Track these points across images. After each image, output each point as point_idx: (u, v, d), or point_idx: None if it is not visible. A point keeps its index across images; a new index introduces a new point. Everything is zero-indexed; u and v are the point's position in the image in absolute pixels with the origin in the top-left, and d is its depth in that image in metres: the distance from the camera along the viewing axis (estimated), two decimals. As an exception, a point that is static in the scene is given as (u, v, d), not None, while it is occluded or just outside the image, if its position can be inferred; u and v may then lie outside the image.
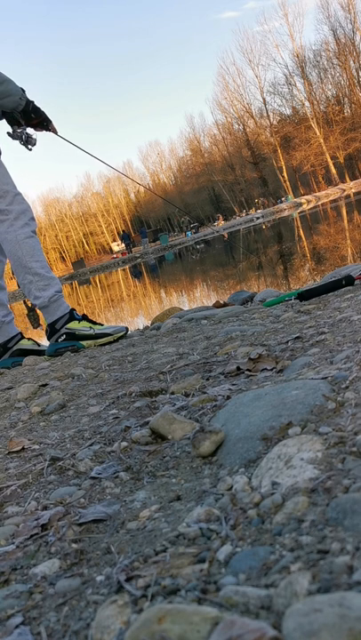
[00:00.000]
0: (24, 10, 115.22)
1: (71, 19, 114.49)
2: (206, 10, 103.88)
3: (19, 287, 2.63)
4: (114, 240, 75.00)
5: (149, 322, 3.70)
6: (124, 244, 40.27)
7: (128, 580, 0.55)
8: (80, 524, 0.73)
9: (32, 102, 2.57)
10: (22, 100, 2.52)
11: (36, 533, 0.73)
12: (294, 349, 1.31)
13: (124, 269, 24.95)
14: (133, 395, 1.33)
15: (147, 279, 14.35)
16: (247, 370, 1.24)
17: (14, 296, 24.32)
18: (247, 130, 52.41)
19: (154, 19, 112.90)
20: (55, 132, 2.74)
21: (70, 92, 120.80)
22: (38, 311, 2.63)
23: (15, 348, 2.74)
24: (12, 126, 2.65)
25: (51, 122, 2.69)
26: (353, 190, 28.30)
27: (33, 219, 2.58)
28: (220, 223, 41.78)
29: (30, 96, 2.58)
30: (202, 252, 19.04)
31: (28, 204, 2.58)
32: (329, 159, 45.00)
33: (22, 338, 2.80)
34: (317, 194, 38.99)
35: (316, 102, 46.83)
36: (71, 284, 25.15)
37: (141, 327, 3.29)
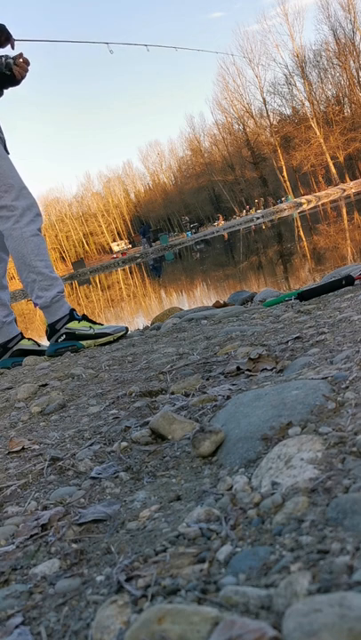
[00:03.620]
0: (24, 10, 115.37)
1: (71, 19, 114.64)
2: (206, 9, 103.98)
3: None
4: (114, 240, 75.07)
5: (149, 322, 3.69)
6: (144, 238, 39.35)
7: (128, 579, 0.55)
8: (80, 524, 0.73)
9: None
10: None
11: (36, 533, 0.73)
12: (294, 349, 1.31)
13: (123, 269, 24.97)
14: (133, 395, 1.33)
15: (147, 279, 14.35)
16: (247, 370, 1.24)
17: (14, 296, 24.31)
18: (247, 130, 52.40)
19: (153, 18, 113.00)
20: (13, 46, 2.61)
21: (70, 92, 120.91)
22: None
23: (15, 348, 2.74)
24: None
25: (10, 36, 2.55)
26: (353, 190, 28.30)
27: (39, 214, 2.54)
28: (221, 223, 41.80)
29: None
30: (202, 251, 19.05)
31: (33, 199, 2.54)
32: (329, 159, 45.00)
33: (22, 338, 2.80)
34: (317, 194, 38.99)
35: (316, 102, 46.85)
36: (71, 283, 25.16)
37: (141, 327, 3.29)
